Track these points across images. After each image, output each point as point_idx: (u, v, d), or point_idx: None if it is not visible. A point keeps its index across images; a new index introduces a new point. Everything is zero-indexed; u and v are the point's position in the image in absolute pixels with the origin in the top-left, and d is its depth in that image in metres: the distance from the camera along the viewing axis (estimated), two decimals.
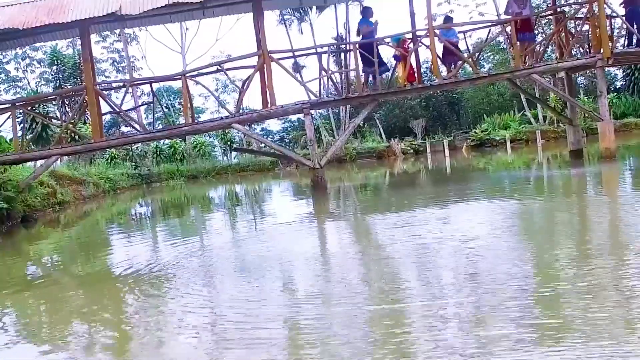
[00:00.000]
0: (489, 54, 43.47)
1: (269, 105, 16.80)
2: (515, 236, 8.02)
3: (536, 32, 20.49)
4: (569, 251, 6.62)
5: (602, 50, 16.74)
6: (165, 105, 46.89)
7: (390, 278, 6.15)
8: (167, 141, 36.02)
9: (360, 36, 17.48)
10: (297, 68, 28.13)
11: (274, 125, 52.21)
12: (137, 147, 35.00)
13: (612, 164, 16.41)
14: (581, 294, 4.89)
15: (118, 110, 17.90)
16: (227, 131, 36.18)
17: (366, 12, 17.83)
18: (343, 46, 19.15)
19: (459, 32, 18.92)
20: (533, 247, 7.19)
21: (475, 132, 37.01)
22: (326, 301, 5.42)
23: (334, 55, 26.25)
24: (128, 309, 6.14)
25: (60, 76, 40.78)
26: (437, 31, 17.46)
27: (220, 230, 12.53)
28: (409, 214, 11.30)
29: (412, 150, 36.53)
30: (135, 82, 23.29)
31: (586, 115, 24.43)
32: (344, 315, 4.89)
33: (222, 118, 17.95)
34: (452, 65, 17.97)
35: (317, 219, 12.66)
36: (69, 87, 36.79)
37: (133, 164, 34.44)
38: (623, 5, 17.87)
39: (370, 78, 18.06)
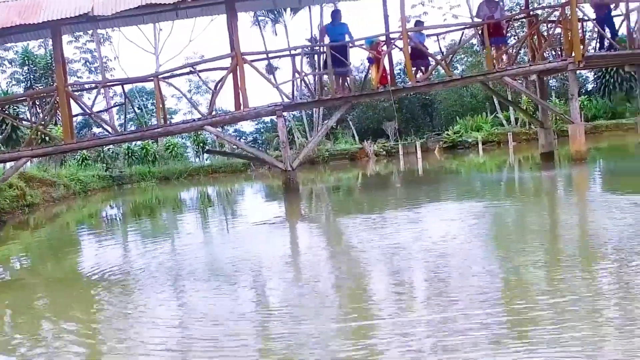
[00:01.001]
0: (462, 56, 43.67)
1: (242, 107, 16.75)
2: (483, 239, 8.07)
3: (509, 34, 20.66)
4: (534, 255, 6.67)
5: (573, 54, 16.88)
6: (138, 106, 46.55)
7: (357, 284, 6.17)
8: (139, 142, 35.78)
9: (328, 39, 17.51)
10: (271, 69, 28.13)
11: (247, 126, 52.08)
12: (108, 149, 34.73)
13: (583, 166, 16.57)
14: (552, 298, 4.93)
15: (89, 111, 17.74)
16: (199, 133, 36.04)
17: (334, 16, 17.81)
18: (316, 48, 19.07)
19: (432, 35, 19.00)
20: (499, 249, 7.24)
21: (447, 134, 37.14)
22: (293, 316, 5.40)
23: (307, 57, 26.24)
24: (91, 314, 6.08)
25: (32, 77, 40.35)
26: (410, 34, 17.53)
27: (189, 233, 12.45)
28: (379, 216, 11.36)
29: (384, 152, 36.58)
30: (107, 84, 23.07)
31: (557, 117, 24.57)
32: (309, 332, 4.89)
33: (194, 120, 17.89)
34: (424, 68, 18.04)
35: (288, 221, 12.67)
36: (40, 87, 36.43)
37: (104, 165, 34.16)
38: (594, 9, 18.03)
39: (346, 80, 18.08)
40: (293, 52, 18.26)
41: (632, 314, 4.38)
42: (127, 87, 20.19)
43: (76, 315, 6.00)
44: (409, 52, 17.27)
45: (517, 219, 9.72)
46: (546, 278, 5.66)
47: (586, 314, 4.42)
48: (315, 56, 22.67)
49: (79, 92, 27.64)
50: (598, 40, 18.29)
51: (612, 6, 17.93)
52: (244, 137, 50.89)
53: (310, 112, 39.97)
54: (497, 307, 4.83)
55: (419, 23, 19.73)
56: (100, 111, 21.57)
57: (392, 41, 17.80)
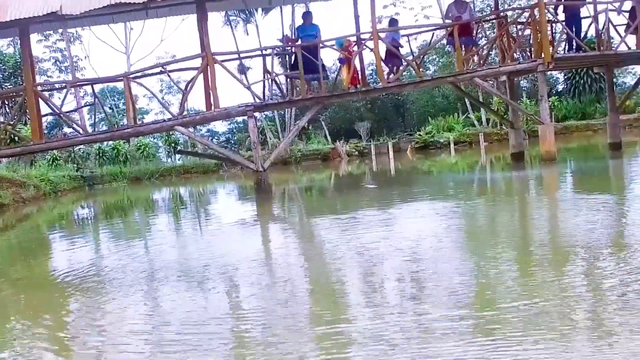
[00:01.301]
0: (434, 56, 43.79)
1: (212, 107, 16.68)
2: (452, 238, 8.11)
3: (480, 35, 20.77)
4: (504, 253, 6.72)
5: (543, 55, 17.01)
6: (109, 105, 46.27)
7: (326, 284, 6.17)
8: (110, 143, 35.53)
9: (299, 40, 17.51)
10: (243, 70, 28.02)
11: (220, 126, 51.85)
12: (79, 149, 34.46)
13: (552, 166, 16.72)
14: (519, 299, 4.96)
15: (58, 111, 17.59)
16: (171, 133, 35.88)
17: (305, 17, 17.82)
18: (287, 48, 19.04)
19: (404, 35, 19.05)
20: (468, 249, 7.29)
21: (419, 135, 37.26)
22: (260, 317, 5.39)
23: (279, 58, 26.18)
24: (56, 315, 6.04)
25: (0, 76, 39.95)
26: (382, 34, 17.59)
27: (159, 234, 12.40)
28: (350, 216, 11.37)
29: (357, 152, 36.59)
30: (76, 84, 22.87)
31: (528, 118, 24.79)
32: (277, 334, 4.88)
33: (164, 120, 17.80)
34: (397, 68, 18.09)
35: (257, 222, 12.67)
36: (9, 87, 36.06)
37: (75, 165, 33.85)
38: (563, 10, 18.18)
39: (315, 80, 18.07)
40: (264, 52, 18.23)
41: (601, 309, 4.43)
42: (98, 86, 20.07)
43: (40, 316, 5.95)
44: (384, 52, 17.33)
45: (484, 219, 9.80)
46: (516, 275, 5.71)
47: (557, 311, 4.45)
48: (287, 57, 22.65)
49: (50, 92, 27.42)
50: (567, 41, 18.45)
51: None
52: (216, 137, 50.68)
53: (282, 113, 39.88)
54: (466, 307, 4.85)
55: (393, 22, 19.76)
56: (70, 111, 21.43)
57: (363, 41, 17.81)
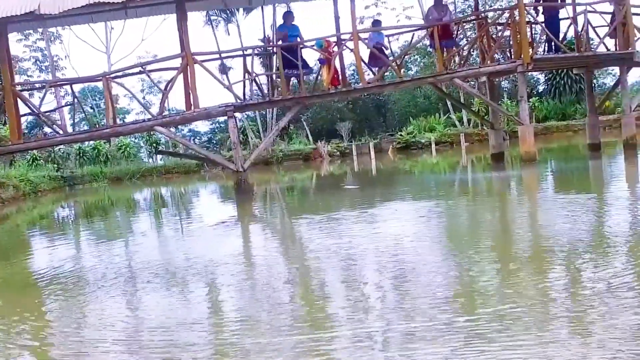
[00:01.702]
0: (416, 57, 43.87)
1: (192, 107, 16.62)
2: (430, 237, 8.14)
3: (461, 36, 20.83)
4: (483, 252, 6.74)
5: (522, 56, 17.07)
6: (90, 105, 46.06)
7: (304, 285, 6.16)
8: (90, 143, 35.39)
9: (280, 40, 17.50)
10: (224, 70, 27.96)
11: (202, 126, 51.80)
12: (59, 149, 34.28)
13: (531, 167, 16.79)
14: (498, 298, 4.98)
15: (37, 111, 17.48)
16: (152, 133, 35.79)
17: (286, 17, 17.81)
18: (268, 48, 19.00)
19: (386, 36, 19.05)
20: (447, 247, 7.31)
21: (401, 135, 37.38)
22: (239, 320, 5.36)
23: (260, 58, 26.18)
24: (33, 314, 5.99)
25: None
26: (365, 35, 17.63)
27: (136, 235, 12.35)
28: (331, 216, 11.37)
29: (338, 153, 36.66)
30: (56, 83, 22.74)
31: (508, 119, 24.93)
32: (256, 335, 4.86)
33: (144, 120, 17.73)
34: (381, 68, 18.14)
35: (238, 223, 12.65)
36: None
37: (55, 165, 33.65)
38: (543, 12, 18.26)
39: (295, 81, 18.05)
40: (242, 52, 18.20)
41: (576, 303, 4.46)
42: (79, 86, 19.96)
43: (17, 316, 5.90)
44: (368, 54, 17.36)
45: (460, 219, 9.84)
46: (494, 274, 5.73)
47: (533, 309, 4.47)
48: (268, 57, 22.65)
49: (30, 92, 27.25)
50: (546, 42, 18.55)
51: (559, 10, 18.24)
52: (198, 138, 50.64)
53: (264, 113, 39.84)
54: (448, 304, 4.86)
55: (376, 23, 19.85)
56: (49, 111, 21.25)
57: (343, 42, 17.80)
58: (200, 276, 7.01)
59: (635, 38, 18.03)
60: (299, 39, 17.25)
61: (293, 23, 17.50)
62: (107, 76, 17.45)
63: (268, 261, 7.69)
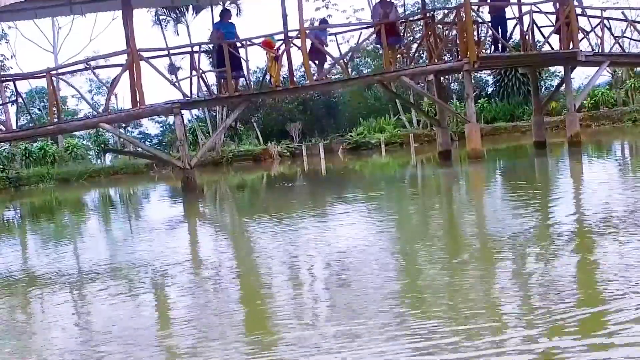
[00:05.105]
0: (367, 59, 44.00)
1: (138, 104, 16.44)
2: (376, 234, 8.17)
3: (408, 34, 20.96)
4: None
5: (468, 55, 17.25)
6: (38, 107, 45.31)
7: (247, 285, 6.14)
8: (37, 143, 34.88)
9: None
10: (174, 69, 27.76)
11: (152, 128, 51.38)
12: (3, 149, 33.65)
13: (477, 164, 16.99)
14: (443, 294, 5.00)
15: None
16: (100, 133, 35.42)
17: (223, 14, 17.75)
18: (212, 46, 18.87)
19: (330, 35, 19.05)
20: (393, 245, 7.34)
21: (351, 136, 37.55)
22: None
23: (209, 56, 26.02)
24: None
25: None
26: (311, 31, 17.66)
27: (76, 236, 12.15)
28: (276, 216, 11.33)
29: (288, 153, 36.66)
30: None
31: (458, 119, 25.20)
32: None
33: (88, 117, 17.53)
34: (321, 64, 18.16)
35: (183, 222, 12.56)
36: None
37: (0, 166, 33.08)
38: (489, 11, 18.49)
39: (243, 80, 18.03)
40: (190, 49, 18.08)
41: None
42: (26, 88, 19.63)
43: None
44: (309, 48, 17.35)
45: (399, 215, 9.91)
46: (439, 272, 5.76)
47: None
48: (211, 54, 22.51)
49: None
50: (492, 42, 18.78)
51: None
52: (149, 140, 50.19)
53: (213, 114, 39.64)
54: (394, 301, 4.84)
55: (324, 21, 20.11)
56: None
57: (291, 39, 17.77)
58: (139, 276, 6.91)
59: (579, 38, 18.38)
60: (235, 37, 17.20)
61: (230, 21, 17.47)
62: (51, 72, 17.17)
63: (211, 260, 7.61)
